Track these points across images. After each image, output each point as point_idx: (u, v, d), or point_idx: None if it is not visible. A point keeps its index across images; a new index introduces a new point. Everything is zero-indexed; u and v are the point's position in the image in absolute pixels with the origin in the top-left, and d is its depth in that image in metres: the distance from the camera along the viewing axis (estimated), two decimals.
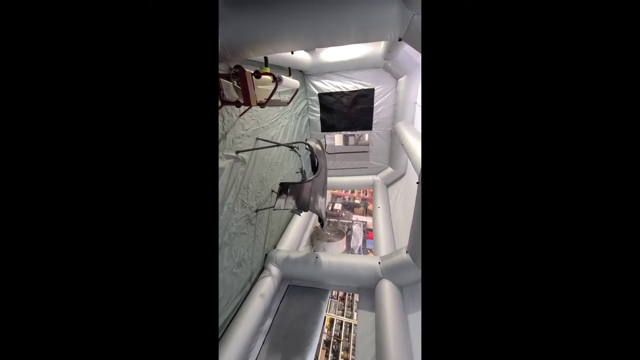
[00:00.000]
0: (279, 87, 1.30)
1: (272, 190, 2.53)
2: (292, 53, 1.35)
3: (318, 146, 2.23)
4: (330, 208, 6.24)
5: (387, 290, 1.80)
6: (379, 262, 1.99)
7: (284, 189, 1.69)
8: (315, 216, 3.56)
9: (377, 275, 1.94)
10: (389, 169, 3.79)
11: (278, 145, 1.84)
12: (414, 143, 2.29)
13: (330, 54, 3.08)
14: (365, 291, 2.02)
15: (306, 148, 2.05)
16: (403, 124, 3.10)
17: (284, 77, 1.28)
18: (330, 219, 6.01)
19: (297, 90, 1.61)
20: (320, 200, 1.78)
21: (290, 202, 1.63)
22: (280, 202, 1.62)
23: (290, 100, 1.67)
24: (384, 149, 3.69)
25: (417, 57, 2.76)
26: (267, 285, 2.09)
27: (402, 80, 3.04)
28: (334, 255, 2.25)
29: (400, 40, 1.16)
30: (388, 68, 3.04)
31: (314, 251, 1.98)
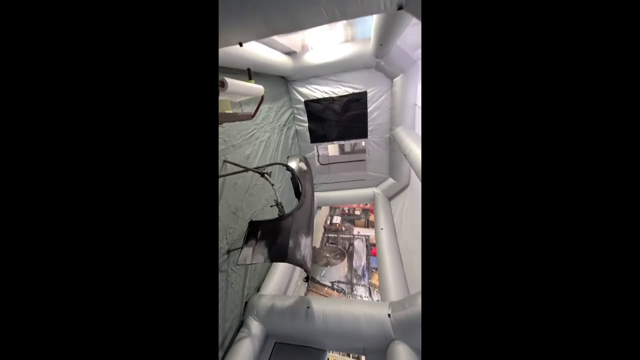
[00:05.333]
0: (225, 95, 0.87)
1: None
2: (241, 45, 0.96)
3: (302, 165, 1.80)
4: (328, 222, 5.76)
5: (402, 358, 1.31)
6: (389, 315, 1.51)
7: (253, 231, 1.23)
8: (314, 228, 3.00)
9: (387, 335, 1.46)
10: (390, 180, 3.35)
11: (246, 170, 1.40)
12: (419, 152, 1.87)
13: (314, 56, 2.71)
14: (374, 355, 1.53)
15: (287, 169, 1.62)
16: (403, 130, 2.69)
17: (230, 80, 0.86)
18: (330, 235, 5.52)
19: (262, 97, 1.20)
20: (304, 242, 1.32)
21: (261, 252, 1.17)
22: (247, 252, 1.17)
23: (255, 113, 1.25)
24: (382, 158, 3.26)
25: (413, 51, 2.39)
26: (244, 351, 1.59)
27: (397, 80, 2.66)
28: (329, 302, 1.77)
29: (400, 8, 0.75)
30: (381, 67, 2.67)
31: (307, 280, 1.47)
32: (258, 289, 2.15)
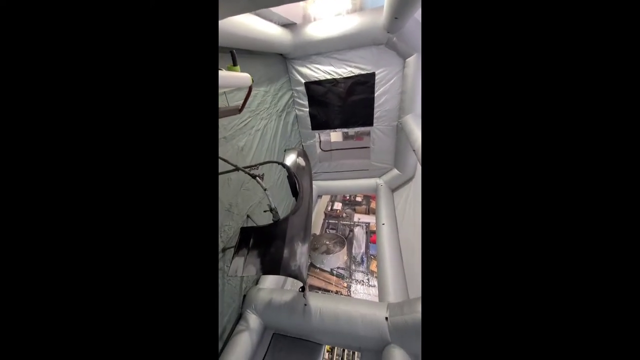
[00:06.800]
0: None
1: (248, 216, 2.00)
2: None
3: (300, 160, 1.65)
4: (329, 208, 5.73)
5: None
6: (386, 318, 1.49)
7: (245, 239, 1.14)
8: (315, 219, 2.90)
9: (383, 338, 1.45)
10: (395, 171, 3.19)
11: (237, 169, 1.27)
12: None
13: (317, 28, 2.36)
14: (369, 354, 1.56)
15: (283, 167, 1.48)
16: (412, 118, 2.45)
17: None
18: (330, 221, 5.54)
19: (251, 88, 1.01)
20: (300, 250, 1.24)
21: (253, 262, 1.09)
22: (238, 263, 1.09)
23: (243, 106, 1.07)
24: (388, 148, 3.06)
25: None
26: (242, 344, 1.63)
27: (411, 60, 2.34)
28: (326, 299, 1.76)
29: None
30: (392, 44, 2.33)
31: (302, 290, 1.46)
32: (257, 282, 2.16)
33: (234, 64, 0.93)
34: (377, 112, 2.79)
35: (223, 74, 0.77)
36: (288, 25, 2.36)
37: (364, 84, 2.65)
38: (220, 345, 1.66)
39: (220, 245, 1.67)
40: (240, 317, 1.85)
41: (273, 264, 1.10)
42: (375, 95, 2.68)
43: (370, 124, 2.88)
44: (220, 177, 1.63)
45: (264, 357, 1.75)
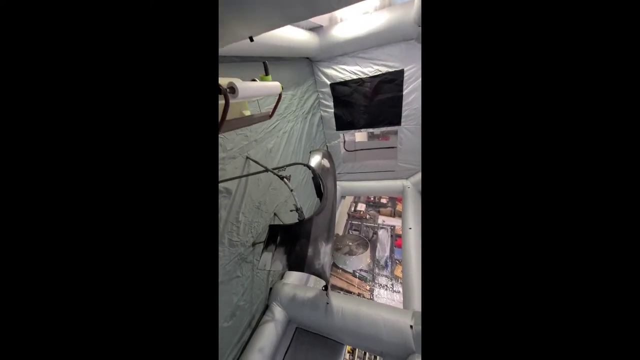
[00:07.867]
0: (234, 100, 0.78)
1: (275, 214, 2.12)
2: (252, 40, 0.82)
3: (325, 162, 1.68)
4: (352, 209, 5.66)
5: None
6: (411, 326, 1.44)
7: (272, 235, 1.22)
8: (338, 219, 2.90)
9: (407, 346, 1.40)
10: None
11: (266, 170, 1.36)
12: None
13: (344, 29, 2.36)
14: (392, 359, 1.52)
15: (308, 168, 1.53)
16: None
17: (241, 85, 0.75)
18: (353, 222, 5.47)
19: (280, 95, 1.08)
20: (324, 249, 1.27)
21: (280, 258, 1.16)
22: (266, 258, 1.17)
23: (273, 112, 1.14)
24: (416, 148, 2.89)
25: None
26: (268, 333, 1.75)
27: None
28: (349, 301, 1.77)
29: None
30: None
31: (325, 289, 1.50)
32: (282, 277, 2.28)
33: (266, 74, 1.00)
34: (406, 111, 2.67)
35: (257, 84, 0.85)
36: (314, 28, 2.41)
37: (392, 82, 2.56)
38: (249, 333, 1.80)
39: (250, 240, 1.81)
40: (266, 308, 1.99)
41: (298, 261, 1.15)
42: (404, 93, 2.56)
43: (398, 123, 2.77)
44: (252, 177, 1.77)
45: (287, 349, 1.84)
